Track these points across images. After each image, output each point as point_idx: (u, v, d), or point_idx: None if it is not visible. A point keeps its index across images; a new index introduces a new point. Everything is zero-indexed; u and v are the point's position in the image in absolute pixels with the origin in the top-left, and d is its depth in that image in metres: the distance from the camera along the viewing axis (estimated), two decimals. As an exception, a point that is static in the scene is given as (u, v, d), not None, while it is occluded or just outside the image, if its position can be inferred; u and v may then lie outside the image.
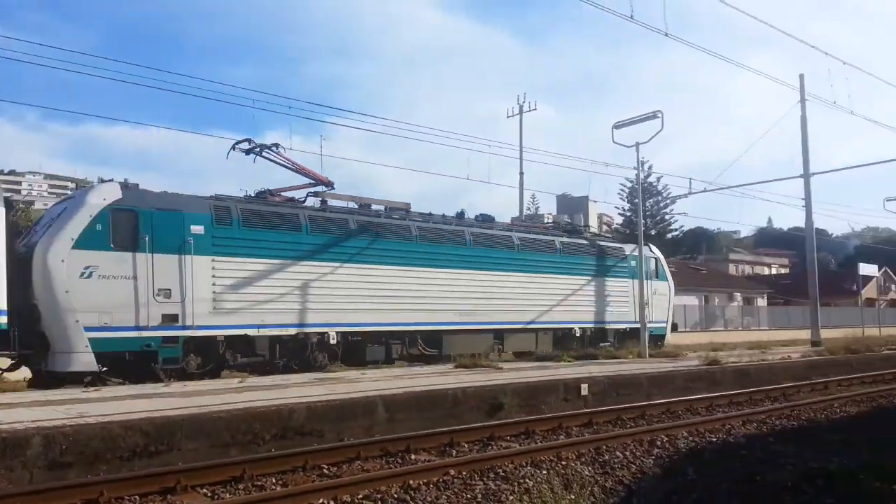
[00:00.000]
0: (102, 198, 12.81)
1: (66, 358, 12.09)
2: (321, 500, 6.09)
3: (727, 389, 13.82)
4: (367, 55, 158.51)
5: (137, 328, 12.70)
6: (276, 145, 16.43)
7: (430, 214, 18.28)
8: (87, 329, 12.11)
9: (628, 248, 22.79)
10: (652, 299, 21.88)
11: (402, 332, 16.43)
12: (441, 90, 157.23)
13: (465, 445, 8.64)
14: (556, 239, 20.77)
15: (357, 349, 15.81)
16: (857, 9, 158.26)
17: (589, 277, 20.94)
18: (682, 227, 61.84)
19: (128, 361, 12.80)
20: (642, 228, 22.08)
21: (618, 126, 19.78)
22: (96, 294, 12.30)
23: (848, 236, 77.85)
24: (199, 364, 13.52)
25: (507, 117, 41.23)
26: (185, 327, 13.20)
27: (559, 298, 19.93)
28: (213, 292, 13.60)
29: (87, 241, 12.34)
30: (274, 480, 6.94)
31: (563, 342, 20.04)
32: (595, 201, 57.04)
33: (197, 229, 13.49)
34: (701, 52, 29.15)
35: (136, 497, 6.21)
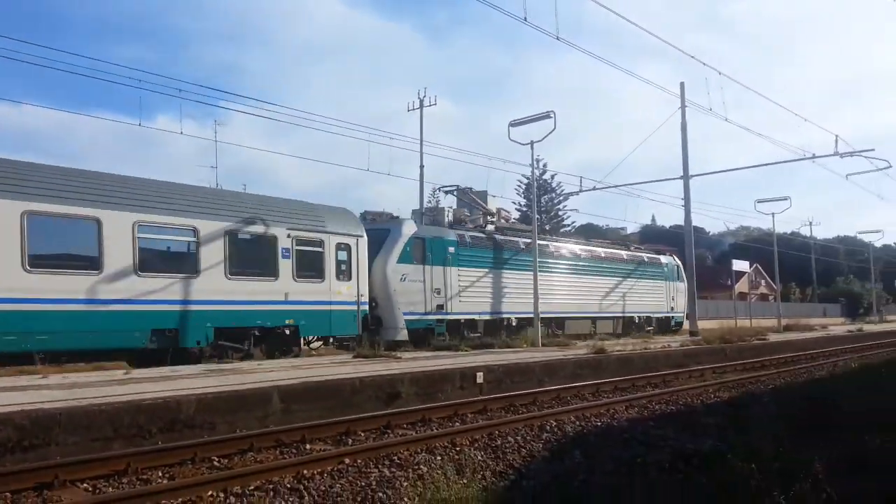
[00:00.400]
0: (409, 230, 19.96)
1: (394, 332, 19.05)
2: (210, 493, 5.94)
3: (612, 376, 14.53)
4: (264, 42, 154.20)
5: (425, 314, 19.88)
6: (467, 188, 26.00)
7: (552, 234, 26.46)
8: (404, 314, 19.23)
9: (664, 259, 31.53)
10: (677, 296, 31.24)
11: (548, 318, 23.23)
12: (343, 82, 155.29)
13: (362, 434, 8.66)
14: (623, 252, 29.27)
15: (522, 328, 22.38)
16: (729, 24, 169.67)
17: (643, 280, 29.30)
18: (574, 223, 64.26)
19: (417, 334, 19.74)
20: (536, 224, 22.80)
21: (514, 124, 20.28)
22: (407, 292, 19.44)
23: (723, 234, 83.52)
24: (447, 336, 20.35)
25: (408, 111, 41.32)
26: (447, 313, 20.58)
27: (628, 296, 28.22)
28: (459, 291, 20.92)
29: (402, 258, 19.53)
30: (161, 474, 6.70)
31: (628, 327, 28.02)
32: (494, 196, 58.10)
33: (451, 250, 20.93)
34: (591, 57, 30.37)
35: (8, 495, 5.82)
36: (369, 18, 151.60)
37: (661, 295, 30.43)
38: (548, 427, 9.22)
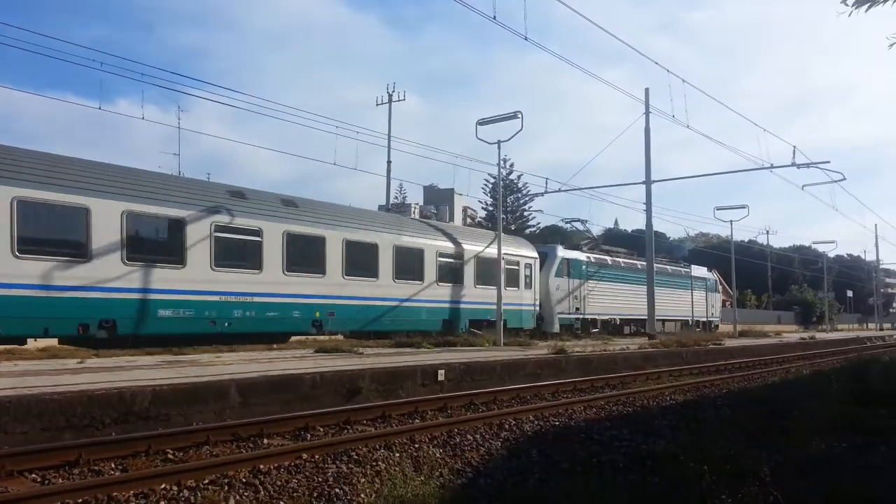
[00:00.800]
0: (561, 253, 28.46)
1: (551, 326, 27.10)
2: (163, 486, 5.85)
3: (572, 377, 14.70)
4: (227, 26, 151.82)
5: (569, 314, 28.36)
6: (584, 221, 35.93)
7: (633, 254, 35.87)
8: (557, 314, 27.68)
9: (708, 275, 41.26)
10: (715, 304, 41.79)
11: (634, 319, 32.06)
12: (309, 72, 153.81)
13: (321, 429, 8.62)
14: (682, 269, 38.41)
15: (618, 327, 31.53)
16: (691, 32, 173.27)
17: (696, 291, 38.74)
18: (539, 223, 64.80)
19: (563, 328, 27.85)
20: (502, 224, 22.92)
21: (481, 123, 20.35)
22: (559, 298, 27.74)
23: (683, 240, 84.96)
24: (581, 330, 28.77)
25: (377, 105, 41.19)
26: (582, 314, 29.24)
27: (684, 302, 37.39)
28: (589, 297, 29.45)
29: (557, 272, 27.69)
30: (113, 466, 6.58)
31: (685, 327, 36.74)
32: (461, 194, 58.25)
33: (584, 267, 29.45)
34: (558, 59, 30.75)
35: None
36: (335, 7, 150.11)
37: (707, 302, 40.62)
38: (507, 426, 9.29)
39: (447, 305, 22.29)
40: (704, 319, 39.64)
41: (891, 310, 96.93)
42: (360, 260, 19.57)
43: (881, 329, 66.99)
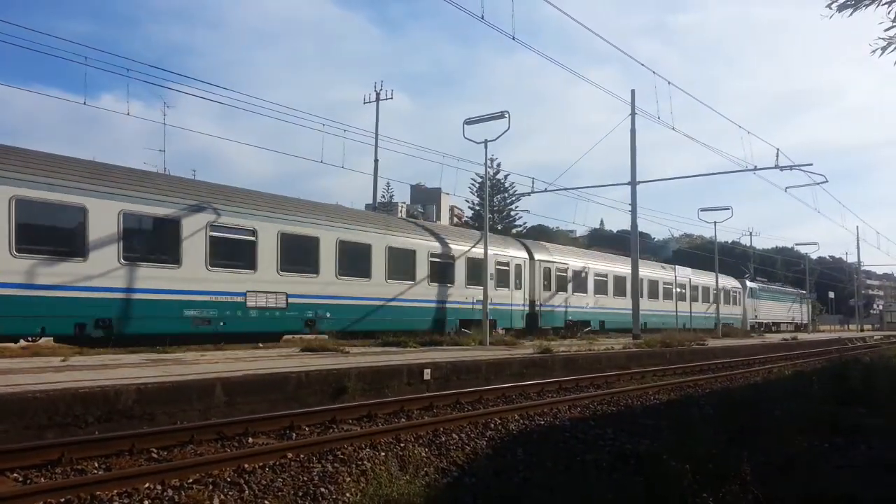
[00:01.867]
0: (750, 284, 50.86)
1: (746, 325, 47.40)
2: (147, 485, 5.83)
3: (557, 376, 14.77)
4: (211, 23, 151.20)
5: (753, 319, 50.35)
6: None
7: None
8: (749, 320, 49.32)
9: (747, 282, 50.71)
10: (758, 307, 51.52)
11: (782, 322, 56.54)
12: (296, 70, 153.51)
13: (306, 429, 8.61)
14: (791, 289, 61.05)
15: (773, 326, 54.89)
16: (676, 34, 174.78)
17: (798, 303, 60.28)
18: (525, 223, 65.00)
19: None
20: (488, 223, 22.97)
21: (468, 122, 20.40)
22: (752, 309, 50.30)
23: (667, 241, 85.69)
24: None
25: (364, 103, 41.13)
26: (757, 319, 51.72)
27: (795, 310, 59.70)
28: (760, 308, 52.27)
29: (750, 295, 50.16)
30: (97, 464, 6.54)
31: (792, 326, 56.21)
32: (447, 193, 58.27)
33: (759, 291, 52.30)
34: (545, 59, 30.75)
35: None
36: (322, 6, 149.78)
37: (802, 310, 60.71)
38: (492, 425, 9.32)
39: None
40: (802, 322, 61.61)
41: (871, 311, 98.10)
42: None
43: (862, 330, 67.77)
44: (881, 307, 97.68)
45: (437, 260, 22.65)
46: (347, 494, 6.05)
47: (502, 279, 25.43)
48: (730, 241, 68.98)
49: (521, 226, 64.15)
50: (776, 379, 16.94)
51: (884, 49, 8.59)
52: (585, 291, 30.64)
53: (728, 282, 46.61)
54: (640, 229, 29.54)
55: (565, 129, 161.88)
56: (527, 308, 26.80)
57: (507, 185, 61.24)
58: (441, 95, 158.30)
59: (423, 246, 22.16)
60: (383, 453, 7.44)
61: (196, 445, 7.43)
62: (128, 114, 18.25)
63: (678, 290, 38.61)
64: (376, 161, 37.71)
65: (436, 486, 6.56)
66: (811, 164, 27.84)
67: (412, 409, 10.23)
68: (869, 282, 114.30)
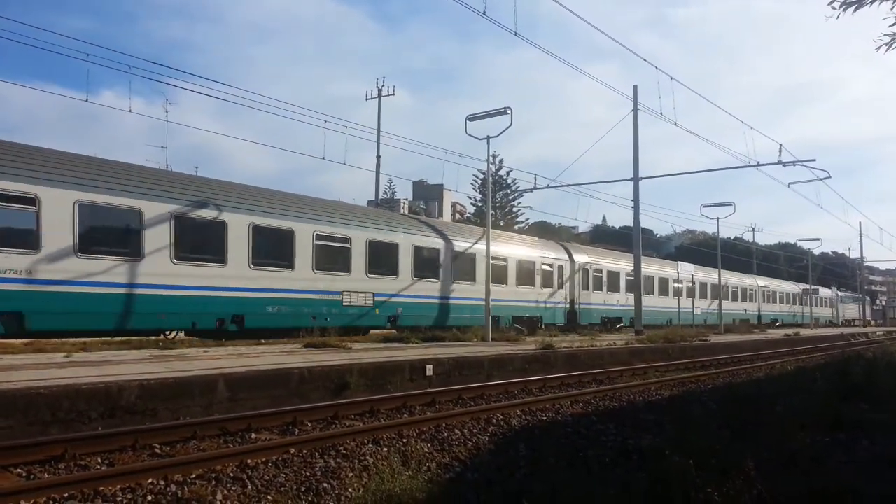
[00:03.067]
0: (838, 292, 72.11)
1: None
2: (150, 480, 5.84)
3: (559, 372, 14.76)
4: (211, 18, 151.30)
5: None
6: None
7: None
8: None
9: (836, 291, 68.01)
10: (845, 311, 71.03)
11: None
12: (296, 66, 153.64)
13: (309, 424, 8.62)
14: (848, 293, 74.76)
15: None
16: (676, 29, 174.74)
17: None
18: (527, 219, 64.96)
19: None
20: (490, 219, 22.96)
21: (471, 118, 20.34)
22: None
23: (670, 237, 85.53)
24: None
25: (366, 99, 41.13)
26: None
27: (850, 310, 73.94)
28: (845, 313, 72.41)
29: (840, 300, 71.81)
30: (100, 460, 6.55)
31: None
32: (450, 190, 58.34)
33: (843, 299, 72.94)
34: (547, 54, 30.85)
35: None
36: (321, 1, 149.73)
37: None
38: (494, 420, 9.33)
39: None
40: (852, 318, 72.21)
41: (875, 307, 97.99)
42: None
43: (865, 326, 67.71)
44: (884, 303, 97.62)
45: (495, 262, 23.98)
46: (350, 490, 6.05)
47: (547, 280, 27.63)
48: (732, 237, 68.93)
49: (523, 222, 64.14)
50: (779, 375, 16.91)
51: (888, 45, 8.56)
52: (618, 290, 32.85)
53: (826, 292, 67.28)
54: (642, 225, 29.54)
55: (566, 124, 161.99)
56: (567, 306, 29.03)
57: (509, 181, 61.23)
58: (441, 91, 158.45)
59: (482, 251, 23.29)
60: (386, 449, 7.45)
61: (199, 441, 7.44)
62: (130, 110, 18.42)
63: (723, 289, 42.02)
64: (378, 157, 37.67)
65: (438, 481, 6.55)
66: (814, 160, 27.76)
67: (414, 404, 10.24)
68: (872, 277, 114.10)
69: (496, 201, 59.77)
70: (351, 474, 6.48)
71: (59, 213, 13.41)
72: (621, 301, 32.74)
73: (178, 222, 15.47)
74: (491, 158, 22.38)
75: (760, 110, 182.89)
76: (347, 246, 19.52)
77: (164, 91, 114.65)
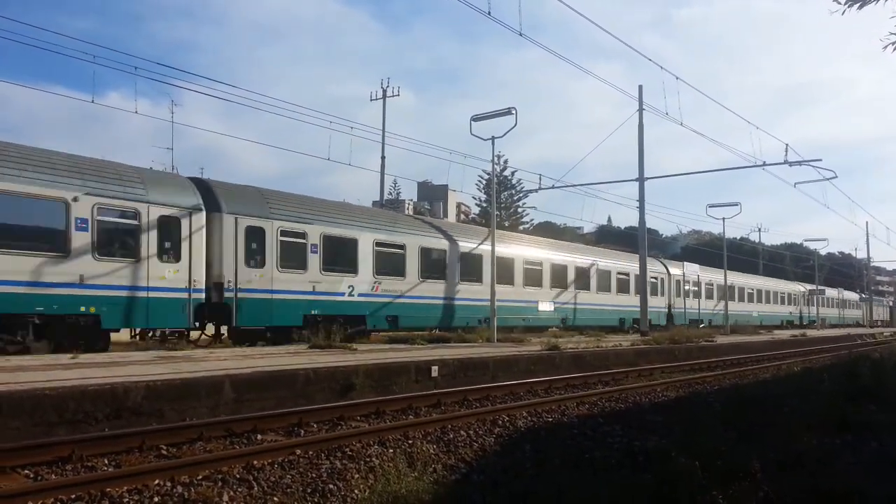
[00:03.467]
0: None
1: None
2: (157, 481, 5.85)
3: (565, 373, 14.74)
4: (214, 19, 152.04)
5: None
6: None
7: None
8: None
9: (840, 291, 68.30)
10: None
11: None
12: (299, 67, 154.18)
13: (315, 426, 8.63)
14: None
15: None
16: (680, 28, 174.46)
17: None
18: (532, 220, 64.89)
19: None
20: (496, 220, 22.95)
21: (476, 119, 20.34)
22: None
23: (676, 237, 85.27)
24: None
25: (371, 100, 41.17)
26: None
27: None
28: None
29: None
30: (106, 461, 6.58)
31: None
32: (454, 190, 58.32)
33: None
34: (551, 54, 30.74)
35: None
36: (324, 2, 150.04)
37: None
38: (500, 422, 9.32)
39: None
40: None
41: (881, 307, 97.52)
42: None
43: (872, 326, 67.42)
44: (892, 303, 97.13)
45: (620, 276, 31.76)
46: (356, 491, 6.06)
47: (654, 289, 33.47)
48: (738, 238, 68.70)
49: (528, 222, 64.07)
50: (786, 376, 16.86)
51: (895, 45, 8.49)
52: (700, 297, 39.49)
53: (832, 292, 66.97)
54: (648, 225, 29.44)
55: (569, 125, 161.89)
56: (665, 310, 35.37)
57: (514, 181, 61.17)
58: (444, 92, 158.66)
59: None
60: (391, 450, 7.45)
61: (205, 442, 7.46)
62: (135, 112, 18.43)
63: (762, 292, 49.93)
64: (383, 158, 37.67)
65: (444, 482, 6.56)
66: (820, 160, 27.57)
67: (420, 406, 10.24)
68: (879, 278, 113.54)
69: (501, 202, 59.73)
70: (357, 475, 6.48)
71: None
72: (703, 306, 39.69)
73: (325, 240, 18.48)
74: (496, 159, 22.35)
75: (763, 110, 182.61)
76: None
77: (170, 92, 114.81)
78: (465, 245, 23.34)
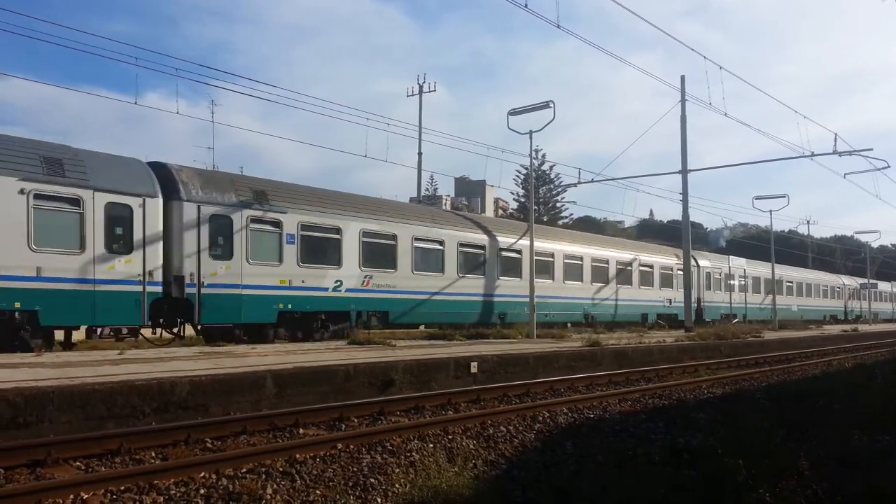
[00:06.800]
0: None
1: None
2: (203, 474, 5.97)
3: (606, 369, 14.57)
4: (249, 20, 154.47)
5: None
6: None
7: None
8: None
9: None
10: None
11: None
12: (335, 65, 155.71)
13: (355, 420, 8.69)
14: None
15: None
16: (720, 15, 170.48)
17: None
18: (571, 214, 64.31)
19: None
20: (534, 215, 22.82)
21: (513, 113, 20.23)
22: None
23: (721, 230, 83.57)
24: None
25: (408, 96, 41.30)
26: None
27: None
28: None
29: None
30: (153, 454, 6.73)
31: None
32: (492, 186, 58.17)
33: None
34: (589, 46, 30.38)
35: (1, 470, 5.85)
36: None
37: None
38: (540, 418, 9.26)
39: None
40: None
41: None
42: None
43: (927, 321, 65.16)
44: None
45: (643, 268, 30.41)
46: (397, 485, 6.08)
47: (674, 282, 32.46)
48: (786, 230, 67.00)
49: (567, 217, 63.53)
50: (836, 372, 16.39)
51: None
52: (733, 290, 37.47)
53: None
54: (691, 219, 28.88)
55: (607, 117, 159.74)
56: (696, 304, 32.96)
57: (552, 175, 60.71)
58: (479, 87, 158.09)
59: (657, 262, 31.03)
60: (431, 445, 7.46)
61: (248, 436, 7.58)
62: (177, 112, 18.86)
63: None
64: (420, 154, 37.83)
65: (484, 478, 6.54)
66: (871, 149, 26.55)
67: (459, 401, 10.24)
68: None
69: (539, 196, 59.33)
70: (398, 470, 6.51)
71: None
72: (736, 299, 37.79)
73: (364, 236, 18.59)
74: (533, 153, 22.22)
75: (811, 98, 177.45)
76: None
77: (209, 92, 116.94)
78: (504, 241, 23.08)
